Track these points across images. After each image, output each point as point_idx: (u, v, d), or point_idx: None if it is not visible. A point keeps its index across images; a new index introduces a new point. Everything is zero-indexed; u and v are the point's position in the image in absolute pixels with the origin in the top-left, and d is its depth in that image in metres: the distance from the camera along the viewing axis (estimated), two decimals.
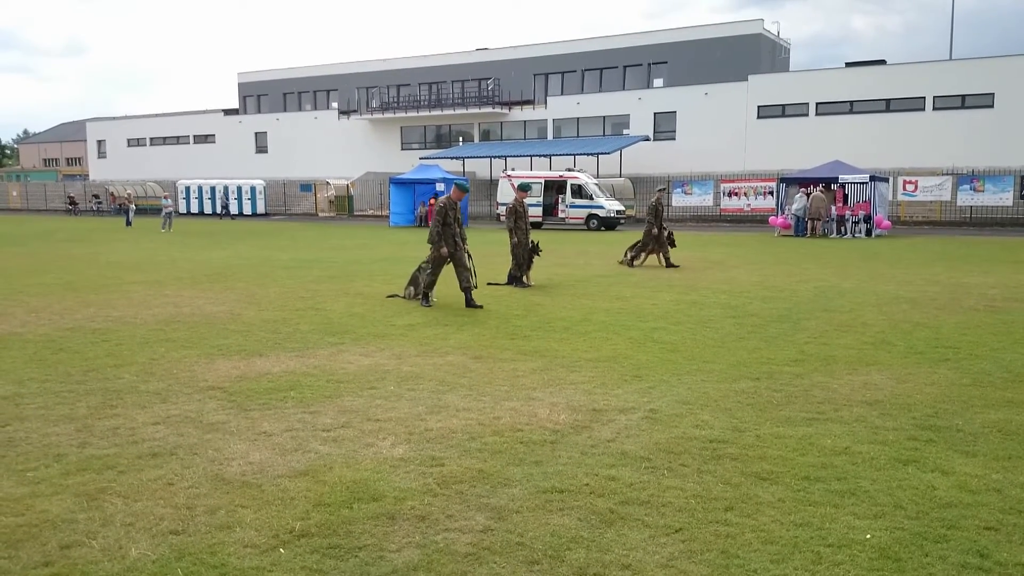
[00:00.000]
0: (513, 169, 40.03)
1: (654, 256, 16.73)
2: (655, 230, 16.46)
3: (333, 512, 3.87)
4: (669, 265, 16.33)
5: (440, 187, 36.15)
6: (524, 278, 13.19)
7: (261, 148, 60.56)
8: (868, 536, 3.60)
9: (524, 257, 13.22)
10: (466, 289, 10.86)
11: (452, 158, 47.29)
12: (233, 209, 49.32)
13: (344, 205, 49.77)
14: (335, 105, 59.58)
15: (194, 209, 51.02)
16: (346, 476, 4.35)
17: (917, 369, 6.97)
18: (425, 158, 46.57)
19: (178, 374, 6.79)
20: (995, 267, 16.13)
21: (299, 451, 4.79)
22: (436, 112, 53.15)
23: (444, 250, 10.77)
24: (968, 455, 4.71)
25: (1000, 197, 32.69)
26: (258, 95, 65.41)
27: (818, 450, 4.80)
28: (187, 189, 51.66)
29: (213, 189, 50.97)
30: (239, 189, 50.12)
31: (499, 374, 6.81)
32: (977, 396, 6.04)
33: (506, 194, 32.80)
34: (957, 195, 33.53)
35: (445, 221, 10.83)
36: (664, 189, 19.05)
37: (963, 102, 38.36)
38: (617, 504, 3.97)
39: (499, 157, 45.75)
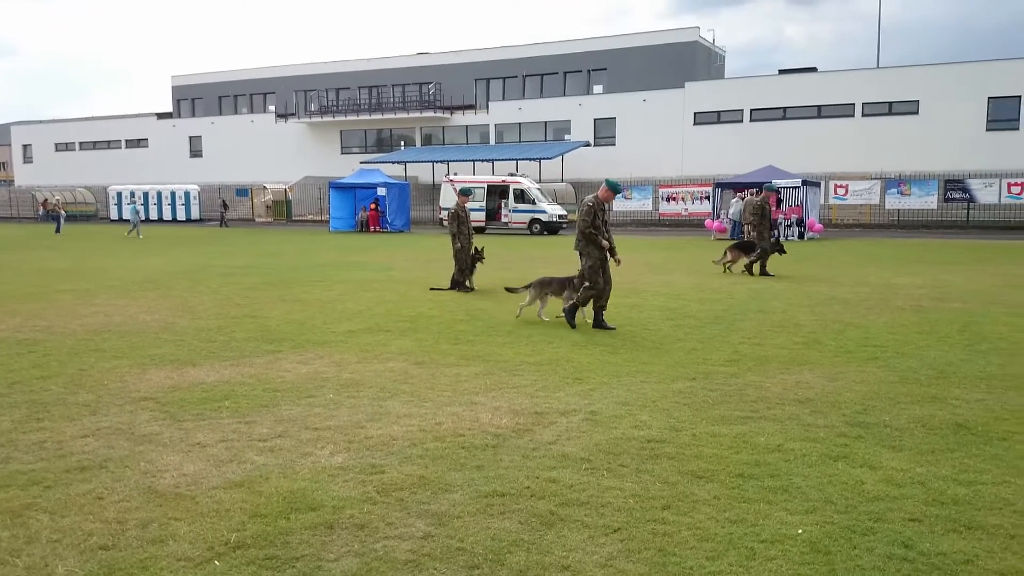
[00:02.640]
0: (456, 174, 40.00)
1: (737, 263, 15.75)
2: (753, 232, 15.50)
3: (269, 523, 3.80)
4: (750, 272, 15.35)
5: (382, 191, 35.88)
6: (467, 283, 13.18)
7: (196, 152, 59.20)
8: (800, 531, 3.70)
9: (467, 262, 13.21)
10: (574, 307, 9.58)
11: (394, 162, 47.02)
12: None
13: (282, 210, 48.99)
14: (272, 108, 58.67)
15: (126, 216, 49.49)
16: (283, 486, 4.28)
17: (847, 368, 7.21)
18: (366, 162, 46.19)
19: (108, 385, 6.58)
20: (922, 268, 16.78)
21: (234, 462, 4.69)
22: (376, 116, 52.77)
23: (604, 243, 9.31)
24: (895, 450, 4.88)
25: (925, 200, 34.07)
26: (192, 98, 63.95)
27: (752, 448, 4.91)
28: (119, 195, 50.05)
29: (146, 195, 49.47)
30: (172, 195, 48.77)
31: (441, 379, 6.78)
32: (903, 393, 6.27)
33: (448, 199, 32.76)
34: (885, 199, 34.80)
35: (594, 223, 9.38)
36: (775, 189, 16.45)
37: (890, 109, 39.85)
38: (557, 506, 4.00)
39: (441, 162, 45.66)
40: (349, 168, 46.51)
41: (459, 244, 13.14)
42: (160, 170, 57.35)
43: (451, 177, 36.72)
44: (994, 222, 33.33)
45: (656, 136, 44.07)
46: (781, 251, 15.89)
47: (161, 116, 63.11)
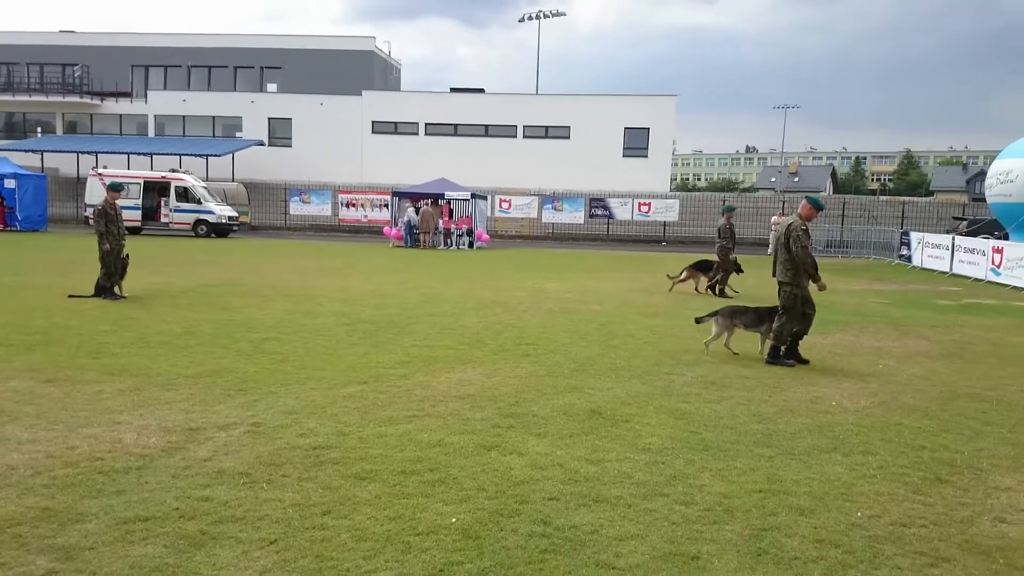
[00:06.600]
0: (105, 167, 35.78)
1: (692, 282, 15.02)
2: (731, 254, 14.77)
3: None
4: (714, 292, 14.70)
5: (11, 183, 30.89)
6: (116, 289, 11.85)
7: None
8: (454, 520, 3.89)
9: (116, 265, 11.89)
10: (776, 349, 8.30)
11: (28, 151, 40.72)
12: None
13: None
14: None
15: None
16: None
17: (504, 364, 7.78)
18: None
19: None
20: (569, 275, 18.74)
21: None
22: (7, 97, 45.39)
23: (820, 280, 8.31)
24: (540, 436, 5.37)
25: (574, 216, 38.26)
26: None
27: (415, 444, 5.07)
28: None
29: None
30: None
31: (78, 398, 6.00)
32: (550, 385, 6.93)
33: (95, 194, 29.17)
34: (542, 213, 38.38)
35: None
36: (733, 209, 15.80)
37: (547, 132, 44.05)
38: (209, 524, 3.75)
39: (89, 153, 40.62)
40: None
41: (107, 245, 11.79)
42: None
43: (99, 170, 32.75)
44: (629, 236, 38.43)
45: (334, 141, 43.73)
46: (739, 270, 15.26)
47: None
